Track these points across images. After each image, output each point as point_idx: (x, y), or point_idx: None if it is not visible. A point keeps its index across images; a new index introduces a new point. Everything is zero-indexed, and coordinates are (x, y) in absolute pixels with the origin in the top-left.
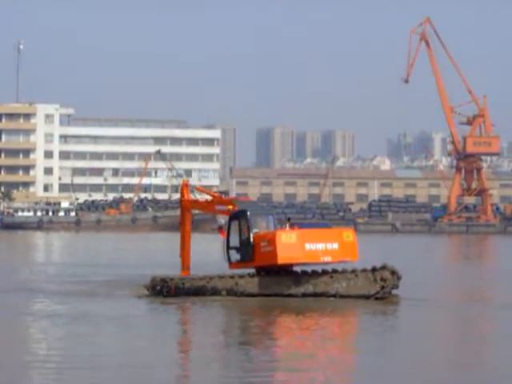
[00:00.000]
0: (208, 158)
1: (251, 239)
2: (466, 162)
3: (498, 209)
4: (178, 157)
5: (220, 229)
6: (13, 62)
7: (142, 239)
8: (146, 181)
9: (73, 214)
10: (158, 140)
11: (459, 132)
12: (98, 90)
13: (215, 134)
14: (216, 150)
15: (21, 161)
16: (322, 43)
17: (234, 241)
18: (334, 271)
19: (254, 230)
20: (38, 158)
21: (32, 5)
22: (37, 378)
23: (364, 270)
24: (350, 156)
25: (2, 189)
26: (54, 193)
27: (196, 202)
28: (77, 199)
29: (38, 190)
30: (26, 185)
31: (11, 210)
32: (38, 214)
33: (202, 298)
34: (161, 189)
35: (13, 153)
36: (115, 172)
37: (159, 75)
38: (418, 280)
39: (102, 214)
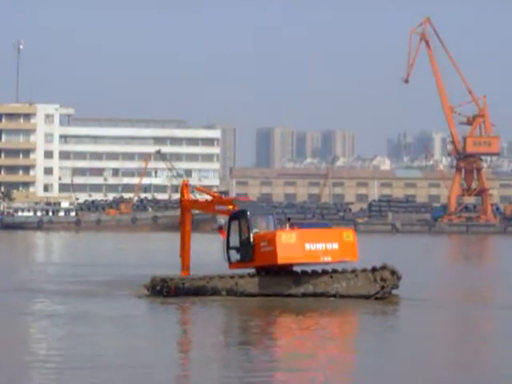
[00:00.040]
0: (208, 158)
1: (251, 239)
2: (465, 162)
3: (497, 209)
4: (178, 157)
5: (220, 229)
6: (13, 62)
7: (142, 239)
8: (145, 181)
9: (73, 214)
10: (158, 140)
11: (459, 132)
12: (97, 89)
13: (215, 134)
14: (216, 150)
15: (21, 161)
16: (322, 43)
17: (234, 241)
18: (334, 271)
19: (254, 230)
20: (37, 158)
21: (32, 5)
22: (37, 378)
23: (364, 270)
24: (350, 156)
25: (2, 189)
26: (54, 193)
27: (196, 202)
28: (77, 199)
29: (37, 190)
30: (26, 185)
31: (11, 210)
32: (38, 214)
33: (201, 298)
34: (161, 189)
35: (13, 153)
36: (115, 172)
37: (159, 75)
38: (418, 280)
39: (102, 214)
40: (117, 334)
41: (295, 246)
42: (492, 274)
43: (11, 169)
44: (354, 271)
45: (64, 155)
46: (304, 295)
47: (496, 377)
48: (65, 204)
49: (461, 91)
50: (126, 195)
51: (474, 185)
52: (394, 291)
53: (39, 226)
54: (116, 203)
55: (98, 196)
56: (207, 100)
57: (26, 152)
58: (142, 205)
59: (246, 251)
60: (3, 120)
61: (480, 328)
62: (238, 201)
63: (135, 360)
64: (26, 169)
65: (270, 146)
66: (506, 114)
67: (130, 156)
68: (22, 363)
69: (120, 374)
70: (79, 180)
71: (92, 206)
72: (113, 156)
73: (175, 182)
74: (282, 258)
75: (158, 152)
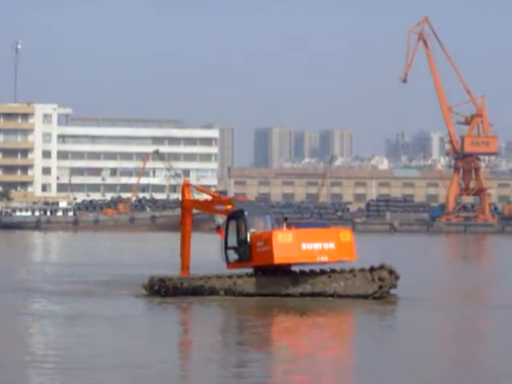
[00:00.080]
0: (206, 157)
1: (248, 239)
2: (464, 161)
3: (496, 208)
4: (176, 157)
5: (218, 229)
6: (11, 62)
7: (140, 239)
8: (144, 181)
9: (71, 213)
10: (156, 140)
11: (457, 132)
12: (95, 89)
13: (213, 133)
14: (214, 149)
15: (19, 161)
16: (321, 43)
17: (232, 241)
18: (332, 271)
19: (252, 230)
20: (36, 157)
21: (30, 5)
22: (35, 378)
23: (362, 270)
24: (348, 156)
25: (0, 188)
26: (52, 192)
27: (196, 201)
28: (75, 199)
29: (36, 190)
30: (24, 184)
31: (9, 210)
32: (36, 213)
33: (200, 297)
34: (159, 189)
35: (11, 152)
36: (113, 172)
37: (157, 75)
38: (416, 280)
39: (100, 213)
40: (114, 334)
41: (292, 245)
42: (490, 274)
43: (9, 168)
44: (352, 271)
45: (62, 155)
46: (302, 295)
47: (494, 376)
48: (63, 204)
49: (459, 91)
50: (124, 195)
51: (472, 184)
52: (392, 291)
53: (37, 225)
54: (114, 203)
55: (95, 196)
56: (205, 100)
57: (24, 152)
58: (140, 205)
59: (244, 251)
60: (1, 120)
61: (478, 327)
62: (235, 200)
63: (133, 360)
64: (24, 168)
65: (268, 145)
66: (503, 114)
67: (127, 156)
68: (20, 363)
69: (117, 374)
70: (77, 180)
71: (90, 205)
72: (111, 156)
73: (173, 181)
74: (279, 257)
75: (156, 152)
